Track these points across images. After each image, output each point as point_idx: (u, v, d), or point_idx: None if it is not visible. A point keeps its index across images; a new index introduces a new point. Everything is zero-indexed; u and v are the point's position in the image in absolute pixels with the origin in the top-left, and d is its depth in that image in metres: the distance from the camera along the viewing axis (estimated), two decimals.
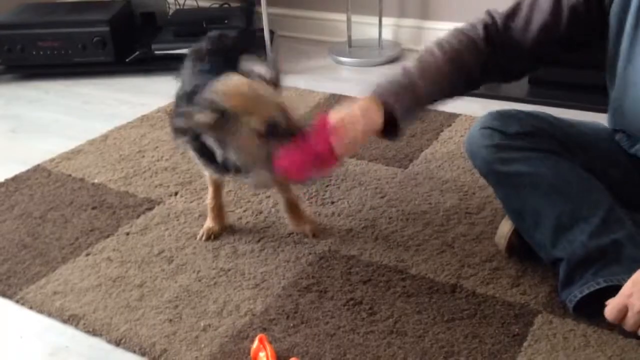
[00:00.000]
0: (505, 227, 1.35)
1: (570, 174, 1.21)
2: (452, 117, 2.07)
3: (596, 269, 1.15)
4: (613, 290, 1.08)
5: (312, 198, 1.64)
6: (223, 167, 1.22)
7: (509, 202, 1.28)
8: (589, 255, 1.16)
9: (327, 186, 1.70)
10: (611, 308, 1.01)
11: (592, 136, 1.30)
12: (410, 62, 1.22)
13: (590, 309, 1.15)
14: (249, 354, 1.14)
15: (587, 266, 1.16)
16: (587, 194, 1.20)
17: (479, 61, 1.21)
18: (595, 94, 2.07)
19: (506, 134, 1.24)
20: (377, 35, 2.72)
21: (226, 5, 2.98)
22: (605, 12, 1.15)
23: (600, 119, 1.38)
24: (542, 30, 1.18)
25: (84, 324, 1.24)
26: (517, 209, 1.26)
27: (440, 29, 2.67)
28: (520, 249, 1.33)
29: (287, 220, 1.51)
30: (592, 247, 1.16)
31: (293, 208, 1.49)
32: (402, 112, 1.15)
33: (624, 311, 1.00)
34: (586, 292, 1.15)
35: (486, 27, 1.22)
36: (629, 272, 1.08)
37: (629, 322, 1.00)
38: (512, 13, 1.22)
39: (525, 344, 1.15)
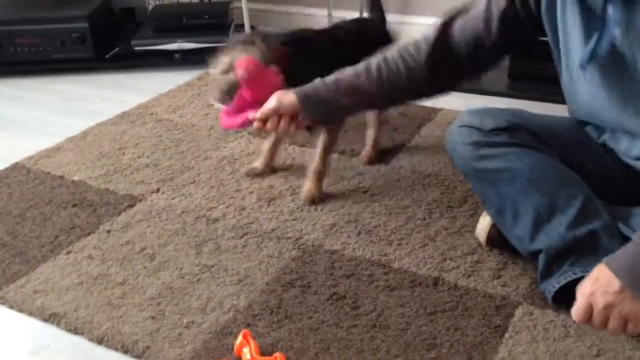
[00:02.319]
0: (485, 221, 1.36)
1: (547, 168, 1.23)
2: (434, 111, 2.08)
3: (573, 259, 1.17)
4: None
5: (294, 194, 1.64)
6: None
7: (488, 199, 1.30)
8: (566, 246, 1.18)
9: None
10: (577, 310, 1.00)
11: (566, 129, 1.32)
12: (343, 74, 1.33)
13: (569, 299, 1.17)
14: (232, 349, 1.14)
15: (565, 257, 1.18)
16: (564, 186, 1.21)
17: (415, 86, 1.32)
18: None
19: (483, 131, 1.25)
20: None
21: (206, 0, 2.97)
22: (535, 15, 1.20)
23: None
24: (475, 40, 1.24)
25: (66, 322, 1.23)
26: (496, 205, 1.27)
27: (421, 24, 2.69)
28: (500, 241, 1.35)
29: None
30: (569, 239, 1.17)
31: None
32: (313, 119, 1.37)
33: (589, 310, 0.99)
34: (563, 282, 1.17)
35: (427, 50, 1.28)
36: None
37: (596, 321, 0.99)
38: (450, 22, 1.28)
39: (506, 335, 1.16)
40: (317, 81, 1.34)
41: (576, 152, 1.28)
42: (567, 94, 1.28)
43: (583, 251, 1.17)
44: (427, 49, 1.28)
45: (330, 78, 1.34)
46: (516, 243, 1.27)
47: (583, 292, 1.00)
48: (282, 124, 1.33)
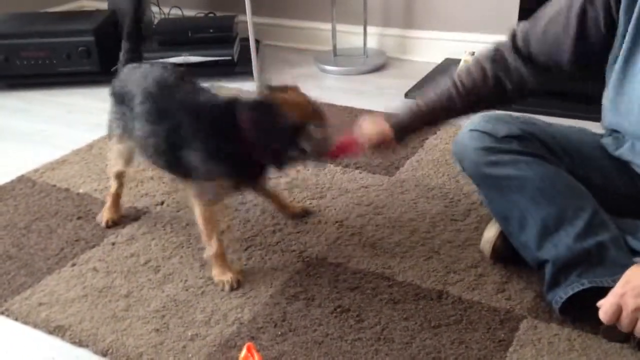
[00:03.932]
0: (490, 233, 1.37)
1: (556, 178, 1.23)
2: None
3: (581, 270, 1.17)
4: (597, 291, 1.10)
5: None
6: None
7: (495, 205, 1.29)
8: (573, 257, 1.18)
9: (314, 196, 1.70)
10: (605, 309, 1.01)
11: (577, 141, 1.32)
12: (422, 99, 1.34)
13: (575, 311, 1.17)
14: None
15: (572, 268, 1.18)
16: (573, 198, 1.21)
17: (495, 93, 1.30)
18: (578, 103, 2.12)
19: (495, 137, 1.25)
20: (362, 44, 2.74)
21: (211, 14, 2.99)
22: (613, 11, 1.17)
23: (584, 127, 1.40)
24: (555, 42, 1.22)
25: (70, 335, 1.24)
26: (503, 211, 1.27)
27: (424, 38, 2.72)
28: (505, 254, 1.35)
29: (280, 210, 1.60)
30: (576, 250, 1.17)
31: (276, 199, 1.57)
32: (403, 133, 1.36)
33: (618, 311, 1.00)
34: (571, 292, 1.16)
35: (510, 52, 1.27)
36: (612, 275, 1.10)
37: (624, 322, 1.00)
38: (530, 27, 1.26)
39: (510, 349, 1.16)
40: (407, 108, 1.34)
41: (585, 165, 1.29)
42: (616, 102, 1.24)
43: (591, 262, 1.16)
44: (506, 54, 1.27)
45: (420, 104, 1.33)
46: (521, 250, 1.27)
47: (615, 292, 1.00)
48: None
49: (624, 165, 1.28)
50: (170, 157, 1.34)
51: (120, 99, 1.43)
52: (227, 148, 1.27)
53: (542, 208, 1.21)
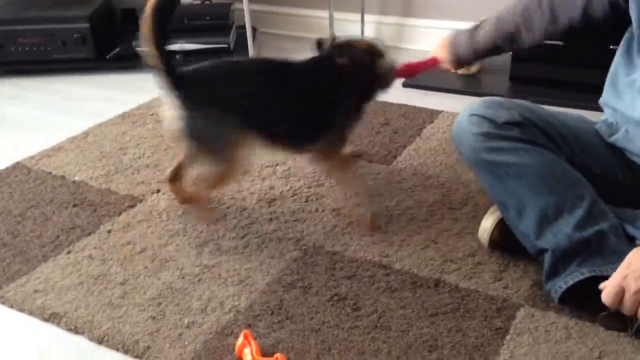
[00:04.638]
0: (488, 222, 1.36)
1: (555, 167, 1.22)
2: (434, 113, 2.08)
3: (580, 260, 1.17)
4: (596, 280, 1.10)
5: (295, 195, 1.64)
6: None
7: (493, 191, 1.28)
8: (573, 246, 1.17)
9: (311, 184, 1.70)
10: (607, 292, 1.01)
11: (576, 129, 1.32)
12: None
13: (574, 300, 1.17)
14: (233, 350, 1.14)
15: (572, 257, 1.17)
16: (572, 187, 1.21)
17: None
18: (574, 91, 2.12)
19: (496, 123, 1.24)
20: (359, 32, 2.72)
21: (207, 2, 2.97)
22: None
23: (581, 114, 1.40)
24: None
25: (66, 322, 1.23)
26: (500, 198, 1.26)
27: (422, 26, 2.71)
28: (503, 243, 1.34)
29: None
30: (576, 239, 1.17)
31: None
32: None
33: (620, 294, 1.00)
34: (570, 282, 1.16)
35: None
36: (612, 263, 1.10)
37: (627, 305, 1.00)
38: None
39: (507, 337, 1.16)
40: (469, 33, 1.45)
41: (584, 153, 1.28)
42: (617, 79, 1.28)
43: (590, 252, 1.16)
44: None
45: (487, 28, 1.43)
46: (520, 237, 1.26)
47: (616, 275, 1.01)
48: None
49: (620, 153, 1.27)
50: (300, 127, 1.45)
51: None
52: (347, 92, 1.45)
53: (541, 197, 1.20)
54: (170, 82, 1.30)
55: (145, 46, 1.27)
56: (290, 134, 1.44)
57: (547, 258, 1.20)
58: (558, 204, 1.19)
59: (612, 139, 1.28)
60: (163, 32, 1.28)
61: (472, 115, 1.26)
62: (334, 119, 1.44)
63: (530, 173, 1.21)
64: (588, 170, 1.25)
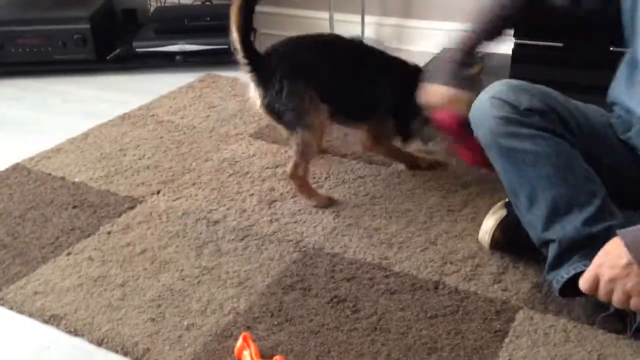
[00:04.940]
0: (489, 224, 1.36)
1: (573, 159, 1.20)
2: None
3: (585, 252, 1.15)
4: None
5: (295, 196, 1.64)
6: None
7: (506, 177, 1.25)
8: (580, 240, 1.15)
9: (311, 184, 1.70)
10: (584, 279, 1.02)
11: (592, 120, 1.29)
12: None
13: (573, 293, 1.16)
14: (233, 352, 1.14)
15: (577, 250, 1.16)
16: (586, 183, 1.19)
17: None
18: (574, 93, 2.11)
19: (517, 108, 1.21)
20: (359, 34, 2.72)
21: (208, 2, 2.97)
22: None
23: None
24: None
25: (65, 324, 1.23)
26: (513, 184, 1.23)
27: (423, 28, 2.70)
28: (505, 243, 1.34)
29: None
30: (584, 233, 1.15)
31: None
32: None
33: (596, 281, 1.00)
34: (572, 272, 1.15)
35: None
36: None
37: (601, 292, 1.01)
38: None
39: (506, 339, 1.16)
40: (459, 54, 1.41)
41: (598, 144, 1.26)
42: (632, 78, 1.26)
43: (595, 247, 1.13)
44: None
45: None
46: (527, 227, 1.24)
47: (594, 262, 1.01)
48: None
49: (631, 149, 1.27)
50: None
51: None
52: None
53: (554, 187, 1.17)
54: (249, 65, 1.52)
55: (232, 33, 1.50)
56: (349, 107, 1.63)
57: (553, 249, 1.18)
58: (571, 196, 1.17)
59: (624, 137, 1.27)
60: (247, 22, 1.50)
61: (493, 97, 1.23)
62: (380, 104, 1.62)
63: (546, 162, 1.18)
64: (599, 161, 1.23)
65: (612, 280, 0.98)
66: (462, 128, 1.36)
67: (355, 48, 1.66)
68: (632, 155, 1.27)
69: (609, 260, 0.99)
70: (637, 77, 1.25)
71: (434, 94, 1.42)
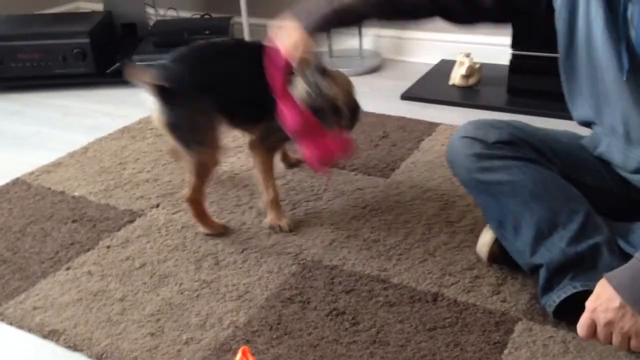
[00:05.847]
0: (487, 236, 1.36)
1: (549, 182, 1.23)
2: (433, 126, 2.09)
3: (574, 274, 1.17)
4: (589, 294, 1.10)
5: (294, 209, 1.65)
6: None
7: (489, 211, 1.30)
8: (567, 261, 1.18)
9: (310, 198, 1.70)
10: (581, 326, 1.01)
11: (567, 144, 1.33)
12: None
13: (569, 314, 1.17)
14: None
15: (565, 271, 1.18)
16: (566, 202, 1.22)
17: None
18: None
19: (486, 143, 1.26)
20: (357, 46, 2.74)
21: (207, 16, 2.99)
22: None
23: (578, 128, 1.40)
24: None
25: (65, 339, 1.23)
26: (497, 217, 1.27)
27: (420, 39, 2.72)
28: (502, 256, 1.35)
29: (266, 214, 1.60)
30: (570, 254, 1.18)
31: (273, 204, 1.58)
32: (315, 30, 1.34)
33: (593, 326, 1.00)
34: (563, 296, 1.17)
35: None
36: None
37: (600, 337, 1.00)
38: None
39: (505, 351, 1.16)
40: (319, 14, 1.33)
41: (576, 167, 1.29)
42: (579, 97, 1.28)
43: (583, 266, 1.17)
44: None
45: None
46: (516, 256, 1.27)
47: (587, 308, 1.01)
48: None
49: (608, 165, 1.28)
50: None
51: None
52: None
53: (535, 212, 1.21)
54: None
55: None
56: (244, 112, 1.55)
57: (542, 273, 1.21)
58: (552, 218, 1.20)
59: (596, 153, 1.29)
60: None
61: (463, 137, 1.29)
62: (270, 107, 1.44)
63: (523, 190, 1.22)
64: (583, 184, 1.26)
65: (609, 324, 0.98)
66: (308, 114, 1.36)
67: (255, 52, 1.49)
68: (608, 170, 1.28)
69: (602, 304, 0.98)
70: (579, 89, 1.27)
71: (290, 32, 1.34)
